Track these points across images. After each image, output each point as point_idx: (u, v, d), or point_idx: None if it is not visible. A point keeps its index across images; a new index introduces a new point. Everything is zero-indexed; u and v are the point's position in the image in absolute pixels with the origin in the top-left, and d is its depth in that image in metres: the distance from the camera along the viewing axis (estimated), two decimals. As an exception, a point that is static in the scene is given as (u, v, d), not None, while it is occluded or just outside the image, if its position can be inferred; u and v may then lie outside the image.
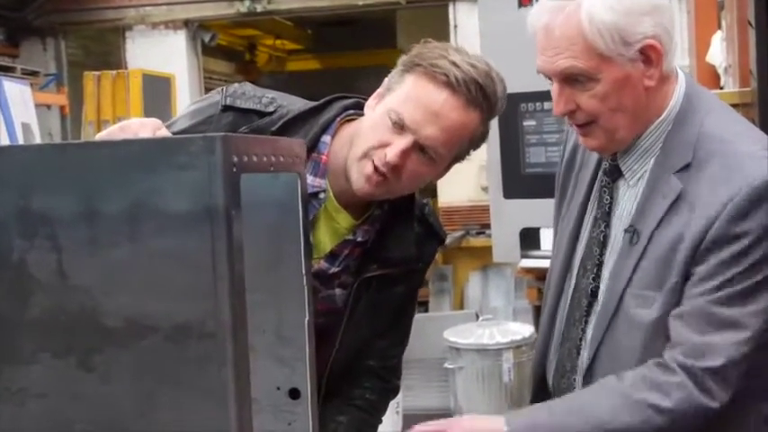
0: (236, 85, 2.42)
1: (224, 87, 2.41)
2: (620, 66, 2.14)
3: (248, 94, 2.37)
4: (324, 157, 2.35)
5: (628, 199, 2.27)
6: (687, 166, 2.17)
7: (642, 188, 2.24)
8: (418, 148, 2.22)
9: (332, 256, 2.38)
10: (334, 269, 2.39)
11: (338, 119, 2.37)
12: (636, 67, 2.16)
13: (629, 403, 2.12)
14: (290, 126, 2.32)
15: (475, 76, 2.22)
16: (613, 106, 2.17)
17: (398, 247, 2.40)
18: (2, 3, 13.78)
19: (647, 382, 2.13)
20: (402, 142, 2.21)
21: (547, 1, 2.20)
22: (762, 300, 2.09)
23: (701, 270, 2.10)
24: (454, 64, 2.20)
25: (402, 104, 2.22)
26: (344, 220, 2.38)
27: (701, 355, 2.09)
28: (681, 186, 2.15)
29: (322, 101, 2.40)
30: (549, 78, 2.24)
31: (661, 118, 2.22)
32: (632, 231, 2.22)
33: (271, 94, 2.41)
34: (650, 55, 2.16)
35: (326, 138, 2.35)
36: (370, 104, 2.34)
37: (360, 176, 2.26)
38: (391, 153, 2.20)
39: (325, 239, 2.37)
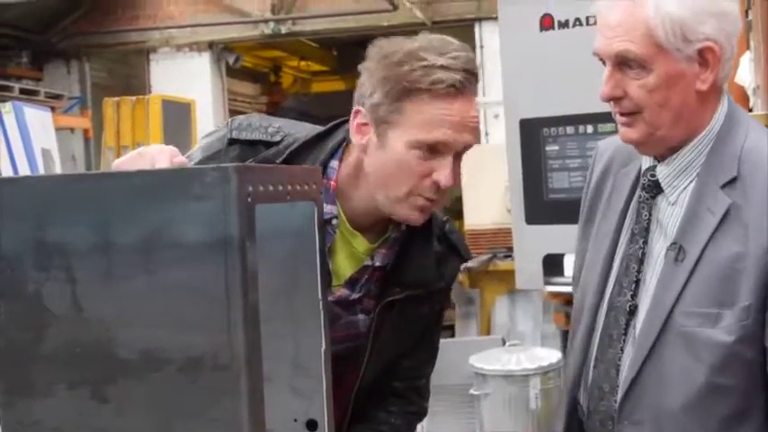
0: (241, 117, 2.40)
1: (230, 120, 2.40)
2: (675, 61, 2.12)
3: (254, 125, 2.35)
4: (333, 183, 2.32)
5: (669, 216, 2.24)
6: (733, 180, 2.14)
7: (686, 204, 2.22)
8: (457, 156, 2.22)
9: (351, 283, 2.37)
10: (355, 295, 2.37)
11: (345, 143, 2.35)
12: (691, 66, 2.13)
13: None
14: (298, 154, 2.29)
15: (464, 66, 2.19)
16: (661, 101, 2.15)
17: (418, 268, 2.37)
18: (26, 26, 13.88)
19: None
20: (447, 163, 2.19)
21: None
22: None
23: None
24: (444, 68, 2.16)
25: (425, 132, 2.17)
26: (361, 244, 2.36)
27: None
28: (729, 201, 2.13)
29: (328, 126, 2.37)
30: (603, 62, 2.21)
31: (705, 132, 2.20)
32: (677, 249, 2.19)
33: (277, 123, 2.38)
34: (707, 57, 2.13)
35: (334, 163, 2.32)
36: (362, 143, 2.25)
37: (412, 212, 2.24)
38: (446, 179, 2.18)
39: (345, 265, 2.36)
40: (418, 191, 2.20)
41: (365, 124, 2.23)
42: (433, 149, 2.17)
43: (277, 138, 2.32)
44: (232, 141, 2.32)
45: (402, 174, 2.20)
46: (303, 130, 2.36)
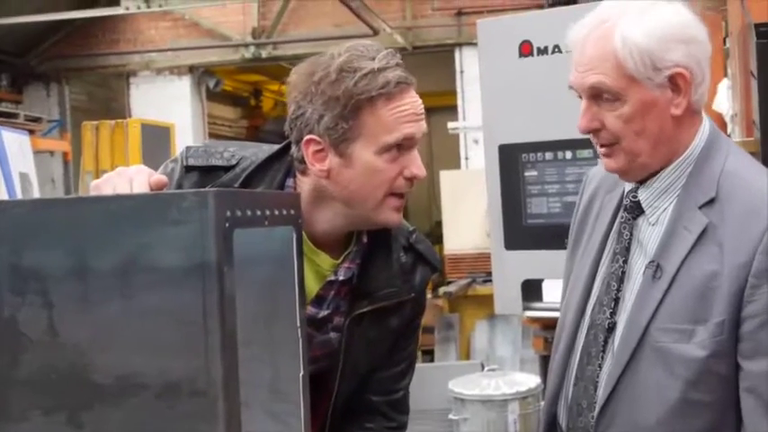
0: (197, 144, 2.41)
1: (185, 148, 2.40)
2: (647, 90, 2.16)
3: (210, 151, 2.37)
4: None
5: (649, 236, 2.27)
6: (711, 201, 2.18)
7: (665, 223, 2.24)
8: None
9: (318, 300, 2.37)
10: (323, 313, 2.37)
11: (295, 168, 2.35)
12: (664, 93, 2.17)
13: None
14: (254, 176, 2.31)
15: (397, 60, 2.27)
16: (637, 129, 2.19)
17: (382, 278, 2.37)
18: (5, 49, 13.84)
19: None
20: (415, 155, 2.25)
21: (587, 18, 2.21)
22: None
23: (753, 309, 2.10)
24: (383, 69, 2.20)
25: (390, 134, 2.20)
26: (324, 261, 2.36)
27: None
28: (706, 220, 2.16)
29: (281, 145, 2.37)
30: (579, 96, 2.24)
31: (685, 155, 2.24)
32: (655, 266, 2.21)
33: (232, 147, 2.39)
34: (679, 83, 2.17)
35: (290, 181, 2.34)
36: (323, 169, 2.23)
37: (391, 213, 2.27)
38: (419, 169, 2.24)
39: (311, 284, 2.35)
40: (392, 190, 2.23)
41: (321, 150, 2.22)
42: (400, 147, 2.21)
43: (233, 161, 2.33)
44: (189, 169, 2.31)
45: (377, 180, 2.22)
46: (257, 153, 2.36)
